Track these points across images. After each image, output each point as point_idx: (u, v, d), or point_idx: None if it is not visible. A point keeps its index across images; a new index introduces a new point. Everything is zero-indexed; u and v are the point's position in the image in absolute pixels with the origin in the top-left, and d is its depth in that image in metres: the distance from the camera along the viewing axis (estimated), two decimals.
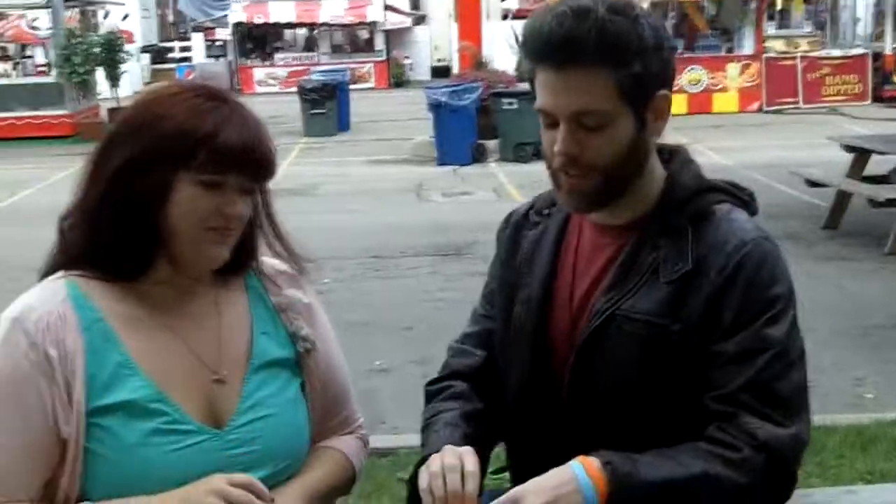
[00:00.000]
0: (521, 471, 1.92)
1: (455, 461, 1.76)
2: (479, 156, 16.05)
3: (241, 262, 1.90)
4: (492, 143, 16.07)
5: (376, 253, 9.85)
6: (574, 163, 1.81)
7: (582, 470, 1.69)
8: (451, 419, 1.96)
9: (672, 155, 1.95)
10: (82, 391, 1.73)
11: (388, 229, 10.98)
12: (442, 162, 15.95)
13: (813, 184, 10.60)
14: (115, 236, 1.77)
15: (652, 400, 1.82)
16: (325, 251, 10.11)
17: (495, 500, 1.69)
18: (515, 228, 2.08)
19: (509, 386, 2.02)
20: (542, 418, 1.95)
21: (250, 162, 1.77)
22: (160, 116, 1.74)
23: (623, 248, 1.88)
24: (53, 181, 15.28)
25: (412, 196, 13.58)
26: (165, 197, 1.73)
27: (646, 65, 1.77)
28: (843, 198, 10.22)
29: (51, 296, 1.77)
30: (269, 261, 1.98)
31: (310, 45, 33.87)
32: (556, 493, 1.67)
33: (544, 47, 1.79)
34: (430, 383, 2.12)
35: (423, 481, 1.78)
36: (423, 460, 1.84)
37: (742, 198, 1.93)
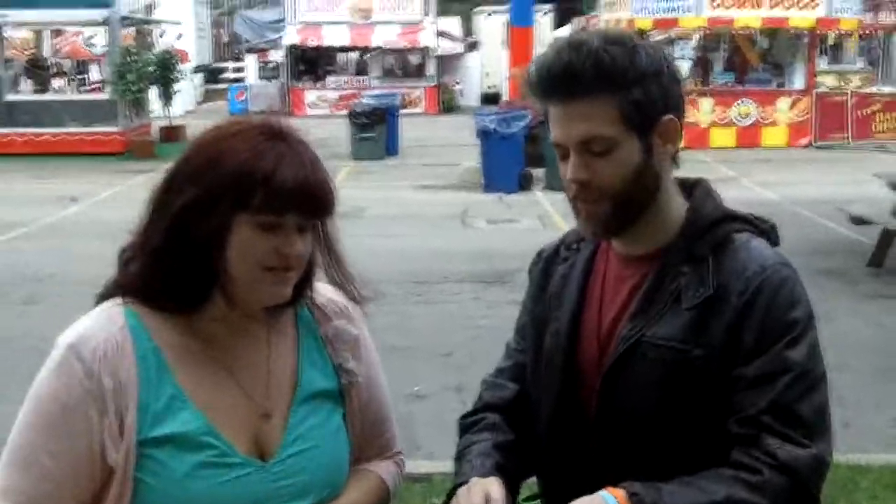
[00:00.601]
0: (553, 499, 1.98)
1: (480, 494, 1.81)
2: (525, 183, 16.08)
3: (294, 297, 1.89)
4: (538, 172, 16.09)
5: (419, 278, 9.94)
6: (586, 188, 1.87)
7: (610, 496, 1.74)
8: (483, 449, 2.00)
9: (694, 187, 2.00)
10: (134, 421, 1.76)
11: (432, 255, 11.08)
12: (488, 188, 16.02)
13: (858, 221, 10.55)
14: (175, 273, 1.79)
15: (677, 425, 1.86)
16: (368, 275, 10.12)
17: None
18: (547, 263, 2.13)
19: (540, 416, 2.06)
20: (572, 446, 1.99)
21: (306, 200, 1.77)
22: (222, 158, 1.76)
23: (647, 277, 1.93)
24: (104, 197, 15.56)
25: (457, 222, 13.66)
26: (224, 238, 1.75)
27: (646, 91, 1.85)
28: (888, 236, 10.16)
29: (108, 323, 1.80)
30: (323, 289, 1.99)
31: (361, 68, 34.11)
32: None
33: (547, 82, 1.87)
34: (464, 416, 2.16)
35: None
36: (455, 488, 1.89)
37: (762, 227, 1.97)
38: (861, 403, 6.31)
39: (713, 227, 1.92)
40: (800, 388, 1.79)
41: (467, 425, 2.12)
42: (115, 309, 1.82)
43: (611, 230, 1.94)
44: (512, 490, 1.91)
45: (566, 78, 1.84)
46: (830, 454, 1.81)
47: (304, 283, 1.90)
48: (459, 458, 2.04)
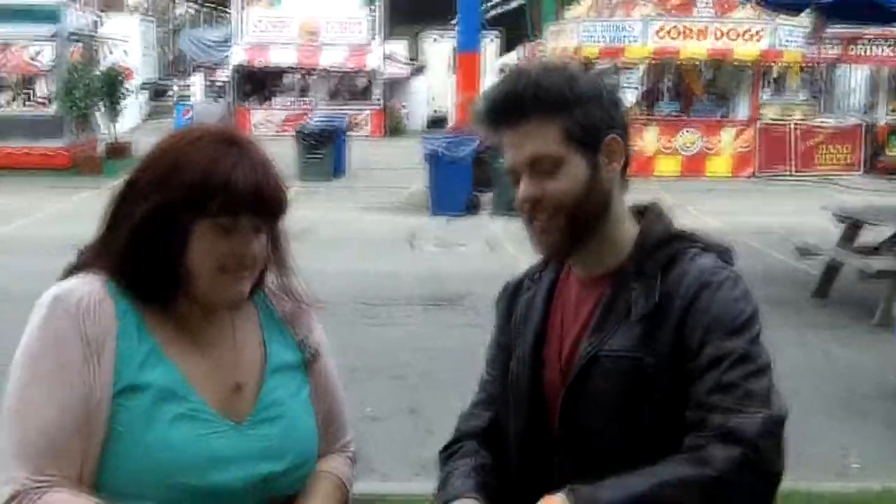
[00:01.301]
0: None
1: None
2: (472, 207, 16.17)
3: (252, 290, 2.00)
4: (486, 196, 16.18)
5: (369, 300, 9.89)
6: (538, 205, 1.97)
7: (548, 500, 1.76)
8: (464, 472, 2.05)
9: (646, 210, 2.09)
10: (112, 369, 1.84)
11: (381, 277, 11.05)
12: (436, 212, 16.06)
13: (804, 252, 10.70)
14: (138, 276, 1.87)
15: (638, 434, 1.90)
16: (318, 296, 10.08)
17: None
18: (511, 295, 2.22)
19: (509, 438, 2.11)
20: (539, 465, 2.03)
21: (260, 202, 1.87)
22: (181, 166, 1.85)
23: (603, 296, 2.01)
24: (49, 213, 15.36)
25: (405, 245, 13.66)
26: (186, 242, 1.85)
27: (586, 112, 1.96)
28: (833, 267, 10.31)
29: (89, 282, 1.89)
30: (272, 277, 2.09)
31: (307, 90, 34.08)
32: None
33: (493, 112, 1.99)
34: (443, 449, 2.20)
35: None
36: None
37: (711, 246, 2.04)
38: (809, 431, 6.37)
39: (662, 245, 2.01)
40: (744, 369, 1.85)
41: (446, 456, 2.16)
42: (93, 275, 1.90)
43: (564, 247, 2.02)
44: None
45: (509, 105, 1.96)
46: (785, 413, 1.86)
47: (259, 282, 2.02)
48: (442, 485, 2.07)
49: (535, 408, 2.05)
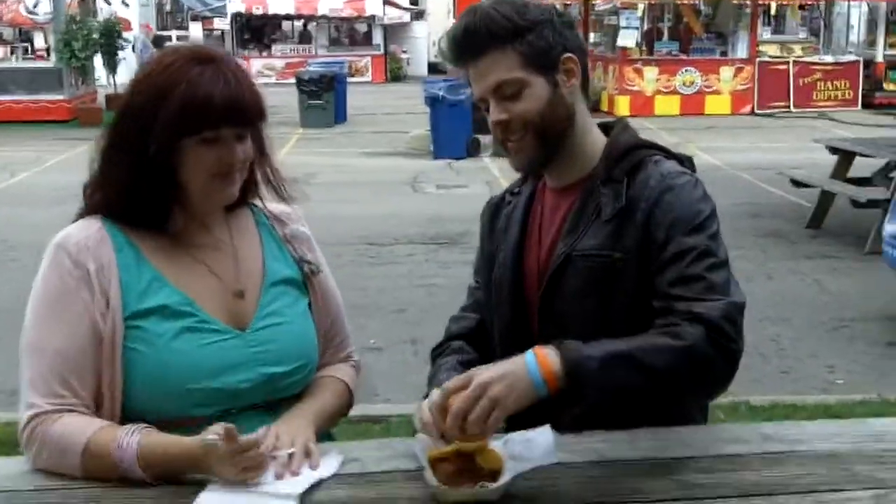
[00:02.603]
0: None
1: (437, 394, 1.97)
2: (473, 150, 16.23)
3: (244, 195, 2.21)
4: (486, 138, 16.24)
5: (372, 241, 10.08)
6: (508, 127, 2.16)
7: (531, 353, 1.93)
8: (450, 366, 2.27)
9: (613, 125, 2.31)
10: (119, 297, 2.04)
11: (383, 218, 11.20)
12: (437, 155, 16.16)
13: (798, 184, 10.84)
14: (137, 196, 2.08)
15: (611, 324, 2.09)
16: (321, 238, 10.20)
17: (448, 384, 1.90)
18: (494, 209, 2.43)
19: (494, 339, 2.33)
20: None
21: (237, 113, 2.04)
22: (163, 92, 2.01)
23: (575, 202, 2.22)
24: (51, 164, 15.49)
25: (407, 188, 13.79)
26: (177, 159, 2.04)
27: (540, 36, 2.14)
28: (826, 198, 10.46)
29: (87, 225, 2.10)
30: (272, 204, 2.30)
31: (307, 37, 33.99)
32: (504, 368, 1.90)
33: (455, 49, 2.19)
34: (434, 348, 2.44)
35: (415, 418, 2.01)
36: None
37: (674, 154, 2.24)
38: (799, 353, 6.61)
39: (628, 153, 2.20)
40: (705, 263, 2.05)
41: (436, 355, 2.40)
42: (91, 218, 2.11)
43: (536, 160, 2.22)
44: None
45: (467, 41, 2.15)
46: (744, 299, 2.05)
47: (251, 184, 2.22)
48: (430, 379, 2.30)
49: (517, 308, 2.27)
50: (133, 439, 1.92)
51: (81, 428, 1.96)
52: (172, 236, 2.13)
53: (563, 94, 2.18)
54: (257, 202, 2.29)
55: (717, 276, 2.05)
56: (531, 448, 1.92)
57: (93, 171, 2.13)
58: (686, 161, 2.26)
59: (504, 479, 1.84)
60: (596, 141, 2.26)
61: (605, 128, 2.31)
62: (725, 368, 2.01)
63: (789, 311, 7.60)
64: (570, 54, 2.18)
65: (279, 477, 1.93)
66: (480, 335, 2.40)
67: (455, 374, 2.13)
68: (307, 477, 1.94)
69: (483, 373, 1.89)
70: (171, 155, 2.03)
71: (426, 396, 2.09)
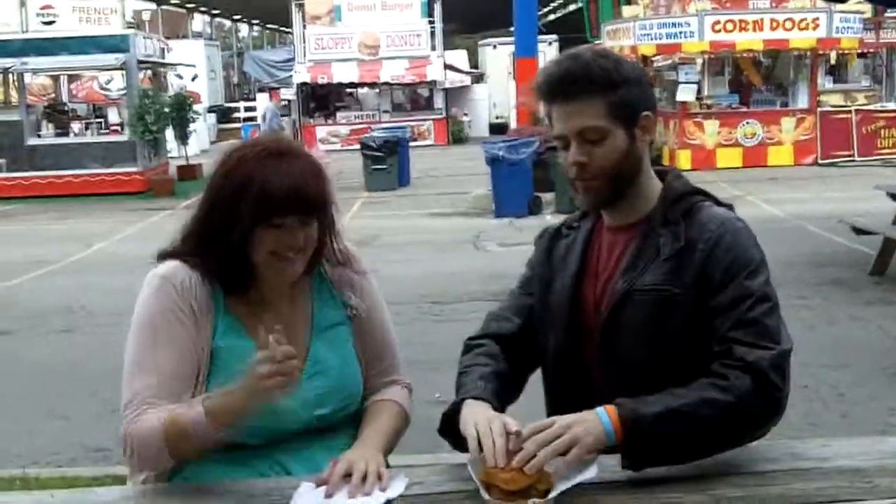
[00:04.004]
0: None
1: (500, 425, 2.16)
2: (535, 208, 16.40)
3: (310, 268, 2.50)
4: (548, 196, 16.42)
5: (435, 298, 10.27)
6: (584, 169, 2.38)
7: (601, 408, 2.15)
8: (484, 374, 2.43)
9: (667, 172, 2.52)
10: (209, 335, 2.40)
11: (446, 277, 11.40)
12: (499, 214, 16.34)
13: (859, 231, 10.86)
14: (216, 269, 2.43)
15: (666, 355, 2.32)
16: (386, 297, 10.45)
17: (534, 424, 2.11)
18: (551, 238, 2.65)
19: (547, 354, 2.54)
20: (575, 381, 2.47)
21: (300, 204, 2.33)
22: (238, 184, 2.32)
23: (632, 241, 2.42)
24: (127, 234, 15.91)
25: (470, 246, 13.97)
26: (250, 240, 2.34)
27: (629, 91, 2.36)
28: (889, 244, 10.45)
29: (186, 268, 2.43)
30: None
31: (371, 104, 34.52)
32: (582, 416, 2.13)
33: (550, 86, 2.39)
34: (471, 339, 2.61)
35: (470, 432, 2.19)
36: (460, 403, 2.32)
37: (721, 201, 2.47)
38: (859, 398, 6.64)
39: (682, 198, 2.42)
40: (761, 308, 2.25)
41: (472, 346, 2.57)
42: (184, 263, 2.45)
43: (603, 201, 2.44)
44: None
45: (565, 80, 2.35)
46: (791, 345, 2.27)
47: (317, 258, 2.50)
48: (462, 373, 2.47)
49: (572, 333, 2.47)
50: (198, 405, 2.25)
51: (156, 415, 2.26)
52: (247, 297, 2.45)
53: (637, 147, 2.40)
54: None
55: (771, 321, 2.26)
56: (576, 468, 2.10)
57: (180, 238, 2.49)
58: (731, 208, 2.47)
59: (552, 494, 2.03)
60: (653, 186, 2.47)
61: (659, 174, 2.51)
62: (769, 415, 2.23)
63: (850, 356, 7.63)
64: (648, 112, 2.41)
65: (352, 496, 2.16)
66: (519, 342, 2.57)
67: (489, 386, 2.38)
68: (377, 498, 2.17)
69: (564, 417, 2.13)
70: (245, 235, 2.33)
71: (459, 401, 2.32)
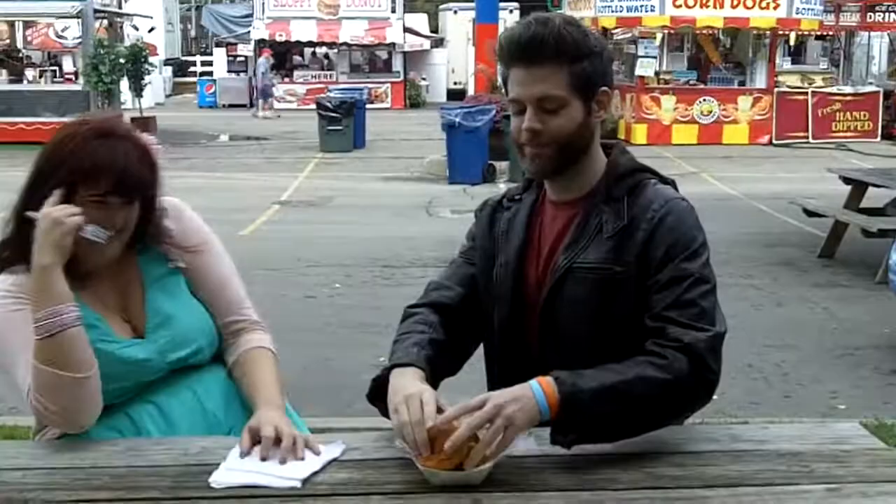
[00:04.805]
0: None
1: (417, 404, 2.12)
2: (489, 176, 16.42)
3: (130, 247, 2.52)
4: (502, 165, 16.43)
5: (387, 262, 10.24)
6: (538, 136, 2.32)
7: (535, 382, 2.11)
8: (419, 340, 2.38)
9: (612, 147, 2.49)
10: None
11: (397, 241, 11.36)
12: (453, 180, 16.36)
13: (810, 213, 10.93)
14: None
15: (607, 330, 2.30)
16: (336, 259, 10.52)
17: (468, 402, 2.06)
18: (492, 209, 2.59)
19: (493, 326, 2.51)
20: (519, 352, 2.45)
21: (122, 184, 2.34)
22: (61, 160, 2.34)
23: (575, 217, 2.39)
24: None
25: (422, 212, 13.97)
26: None
27: (592, 64, 2.32)
28: (838, 227, 10.56)
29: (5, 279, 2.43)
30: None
31: (329, 63, 34.29)
32: (515, 394, 2.08)
33: (516, 48, 2.32)
34: (410, 306, 2.56)
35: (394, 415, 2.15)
36: (391, 368, 2.29)
37: (666, 179, 2.44)
38: (802, 379, 6.70)
39: (627, 175, 2.40)
40: (699, 290, 2.24)
41: (411, 314, 2.52)
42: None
43: (550, 171, 2.39)
44: (433, 384, 2.28)
45: (532, 45, 2.28)
46: (725, 328, 2.24)
47: (138, 237, 2.50)
48: (397, 341, 2.43)
49: (516, 307, 2.45)
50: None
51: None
52: (78, 273, 2.40)
53: (591, 122, 2.36)
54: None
55: (707, 303, 2.25)
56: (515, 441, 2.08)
57: (7, 232, 2.44)
58: (673, 185, 2.45)
59: (487, 465, 2.01)
60: (599, 161, 2.43)
61: (605, 148, 2.48)
62: (703, 396, 2.22)
63: (796, 337, 7.70)
64: (606, 88, 2.37)
65: (283, 462, 2.14)
66: (461, 309, 2.52)
67: (422, 353, 2.33)
68: (311, 462, 2.15)
69: (497, 395, 2.07)
70: None
71: (391, 367, 2.29)
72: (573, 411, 2.08)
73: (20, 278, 2.37)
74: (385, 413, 2.23)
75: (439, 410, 2.11)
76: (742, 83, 23.29)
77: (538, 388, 2.09)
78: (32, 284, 2.29)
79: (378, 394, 2.27)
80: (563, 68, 2.27)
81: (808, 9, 22.55)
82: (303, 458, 2.17)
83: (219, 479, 2.06)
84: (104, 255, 2.42)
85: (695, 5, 21.82)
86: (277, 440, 2.20)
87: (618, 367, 2.16)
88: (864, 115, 23.36)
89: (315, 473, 2.09)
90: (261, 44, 32.76)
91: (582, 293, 2.32)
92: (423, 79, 35.03)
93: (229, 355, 2.61)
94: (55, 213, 2.26)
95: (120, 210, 2.37)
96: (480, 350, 2.62)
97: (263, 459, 2.16)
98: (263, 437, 2.20)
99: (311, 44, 33.61)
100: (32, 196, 2.37)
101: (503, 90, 2.44)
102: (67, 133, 2.39)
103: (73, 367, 2.27)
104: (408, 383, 2.20)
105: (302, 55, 33.90)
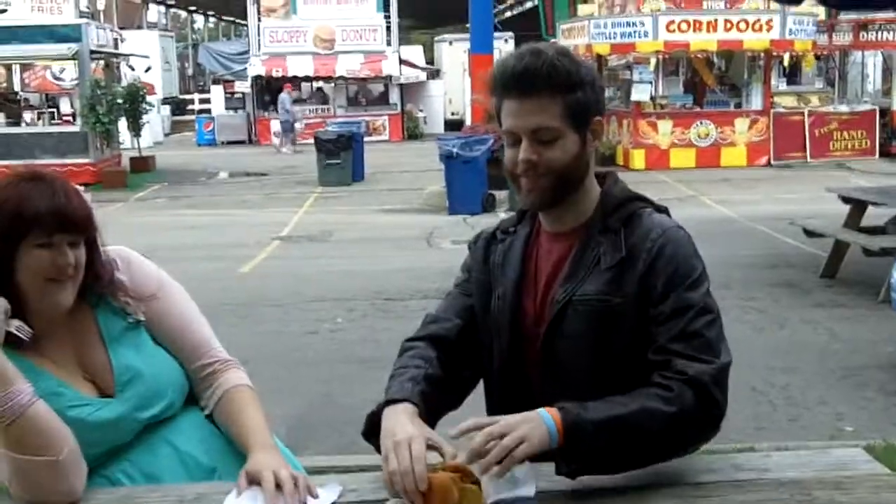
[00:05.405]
0: None
1: (406, 451, 2.09)
2: (489, 206, 16.40)
3: (82, 296, 2.43)
4: (501, 194, 16.42)
5: (388, 295, 10.21)
6: (533, 168, 2.30)
7: (543, 410, 2.10)
8: (415, 375, 2.36)
9: (605, 177, 2.47)
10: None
11: (398, 274, 11.34)
12: (453, 211, 16.34)
13: (810, 234, 10.91)
14: None
15: (607, 362, 2.28)
16: (337, 293, 10.51)
17: (476, 419, 2.07)
18: (486, 243, 2.58)
19: (492, 358, 2.48)
20: (519, 384, 2.42)
21: (65, 222, 2.29)
22: (1, 204, 2.26)
23: (572, 248, 2.38)
24: None
25: (423, 243, 13.95)
26: (14, 264, 2.28)
27: (585, 94, 2.31)
28: (839, 247, 10.52)
29: None
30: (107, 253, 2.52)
31: (326, 98, 34.39)
32: (526, 416, 2.08)
33: (510, 80, 2.30)
34: (408, 340, 2.53)
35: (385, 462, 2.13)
36: (387, 404, 2.26)
37: (659, 207, 2.43)
38: (808, 401, 6.66)
39: (621, 205, 2.38)
40: (702, 321, 2.22)
41: (408, 348, 2.49)
42: None
43: (547, 202, 2.37)
44: (430, 421, 2.27)
45: (526, 78, 2.28)
46: (730, 358, 2.21)
47: (91, 281, 2.43)
48: (393, 376, 2.40)
49: (514, 341, 2.42)
50: None
51: None
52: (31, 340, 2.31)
53: (586, 152, 2.35)
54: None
55: (712, 333, 2.22)
56: (513, 482, 2.05)
57: None
58: (666, 212, 2.43)
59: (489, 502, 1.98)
60: (593, 191, 2.42)
61: (598, 178, 2.46)
62: (709, 429, 2.20)
63: (800, 359, 7.66)
64: (600, 118, 2.36)
65: None
66: (459, 342, 2.49)
67: (417, 388, 2.31)
68: None
69: (509, 417, 2.08)
70: (10, 262, 2.27)
71: (386, 402, 2.27)
72: (577, 441, 2.06)
73: None
74: (379, 450, 2.21)
75: (433, 448, 2.09)
76: (738, 105, 23.33)
77: (546, 415, 2.08)
78: None
79: (373, 430, 2.26)
80: (557, 99, 2.27)
81: (801, 29, 22.61)
82: (304, 502, 2.14)
83: None
84: (60, 305, 2.35)
85: (688, 30, 21.90)
86: (277, 486, 2.16)
87: (623, 399, 2.14)
88: (862, 134, 23.38)
89: None
90: (257, 80, 32.90)
91: (581, 326, 2.30)
92: (421, 110, 35.12)
93: (207, 400, 2.54)
94: None
95: (68, 251, 2.31)
96: (480, 385, 2.59)
97: None
98: (264, 483, 2.16)
99: (307, 78, 33.72)
100: None
101: (497, 121, 2.42)
102: (3, 184, 2.34)
103: (47, 449, 2.17)
104: (398, 425, 2.18)
105: (300, 89, 33.99)
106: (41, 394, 2.22)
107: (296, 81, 33.15)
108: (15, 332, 2.22)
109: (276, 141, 30.46)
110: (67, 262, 2.30)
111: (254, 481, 2.19)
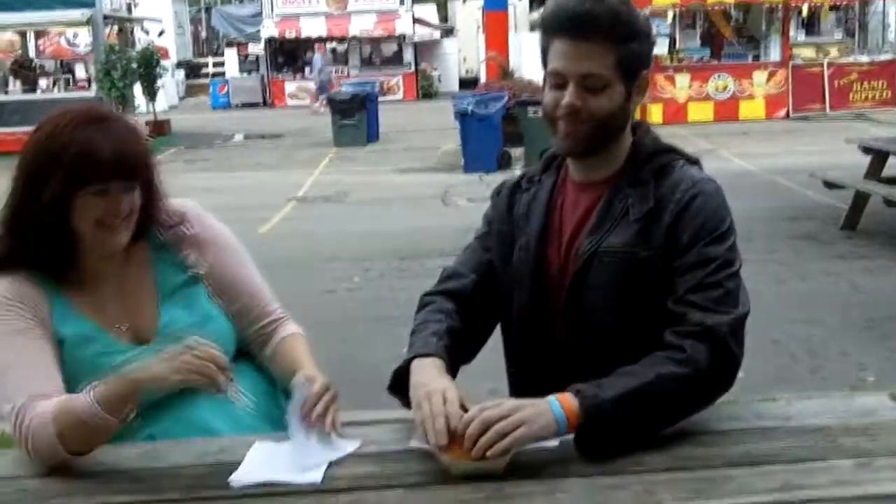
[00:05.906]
0: (522, 383, 2.44)
1: (440, 398, 2.09)
2: (504, 163, 16.31)
3: (139, 233, 2.42)
4: (517, 151, 16.34)
5: (404, 254, 10.18)
6: (576, 113, 2.24)
7: (553, 397, 2.06)
8: (437, 330, 2.34)
9: (637, 127, 2.40)
10: (51, 329, 2.32)
11: (414, 233, 11.30)
12: (468, 169, 16.25)
13: (830, 185, 10.81)
14: (37, 246, 2.31)
15: (632, 315, 2.25)
16: (353, 253, 10.50)
17: (482, 405, 2.02)
18: (510, 192, 2.52)
19: (511, 310, 2.45)
20: (541, 337, 2.39)
21: (123, 169, 2.26)
22: (55, 153, 2.23)
23: (599, 199, 2.33)
24: None
25: (438, 202, 13.90)
26: (70, 209, 2.26)
27: (640, 46, 2.26)
28: (860, 198, 10.42)
29: (9, 280, 2.34)
30: (171, 207, 2.50)
31: (340, 58, 34.28)
32: (531, 401, 2.04)
33: (566, 20, 2.23)
34: (426, 294, 2.51)
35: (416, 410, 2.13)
36: (412, 359, 2.26)
37: (691, 158, 2.37)
38: (829, 353, 6.61)
39: (653, 157, 2.32)
40: (723, 273, 2.18)
41: (427, 302, 2.48)
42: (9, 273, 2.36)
43: (583, 150, 2.33)
44: (452, 373, 2.26)
45: (585, 21, 2.20)
46: (748, 308, 2.19)
47: (145, 225, 2.42)
48: (415, 331, 2.39)
49: (537, 292, 2.38)
50: (89, 393, 2.12)
51: (48, 406, 2.14)
52: (79, 277, 2.37)
53: (629, 104, 2.29)
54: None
55: (732, 284, 2.19)
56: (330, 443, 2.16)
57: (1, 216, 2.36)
58: (699, 164, 2.38)
59: (509, 454, 1.97)
60: (626, 142, 2.36)
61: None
62: (725, 381, 2.16)
63: (821, 311, 7.60)
64: (646, 72, 2.31)
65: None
66: (476, 297, 2.47)
67: (441, 343, 2.30)
68: (329, 454, 2.14)
69: (514, 399, 2.05)
70: (66, 207, 2.25)
71: (411, 358, 2.26)
72: (599, 422, 2.03)
73: (9, 285, 2.31)
74: (406, 404, 2.21)
75: (464, 408, 2.07)
76: (756, 58, 23.16)
77: (555, 401, 2.05)
78: (119, 383, 2.13)
79: (398, 384, 2.25)
80: (613, 48, 2.20)
81: None
82: (329, 435, 2.19)
83: (238, 478, 2.05)
84: (112, 248, 2.34)
85: None
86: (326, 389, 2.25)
87: (636, 369, 2.10)
88: (882, 84, 23.16)
89: (333, 464, 2.09)
90: (270, 42, 32.80)
91: (607, 278, 2.26)
92: (435, 69, 34.98)
93: (265, 349, 2.56)
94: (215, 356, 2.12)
95: (123, 198, 2.28)
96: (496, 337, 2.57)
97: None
98: (316, 384, 2.27)
99: (320, 39, 33.60)
100: (29, 200, 2.28)
101: (541, 62, 2.33)
102: (52, 127, 2.28)
103: (82, 448, 2.17)
104: (429, 378, 2.17)
105: (313, 51, 33.88)
106: (73, 336, 2.28)
107: (309, 42, 33.05)
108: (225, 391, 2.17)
109: (310, 101, 30.33)
110: (120, 209, 2.28)
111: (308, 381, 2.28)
